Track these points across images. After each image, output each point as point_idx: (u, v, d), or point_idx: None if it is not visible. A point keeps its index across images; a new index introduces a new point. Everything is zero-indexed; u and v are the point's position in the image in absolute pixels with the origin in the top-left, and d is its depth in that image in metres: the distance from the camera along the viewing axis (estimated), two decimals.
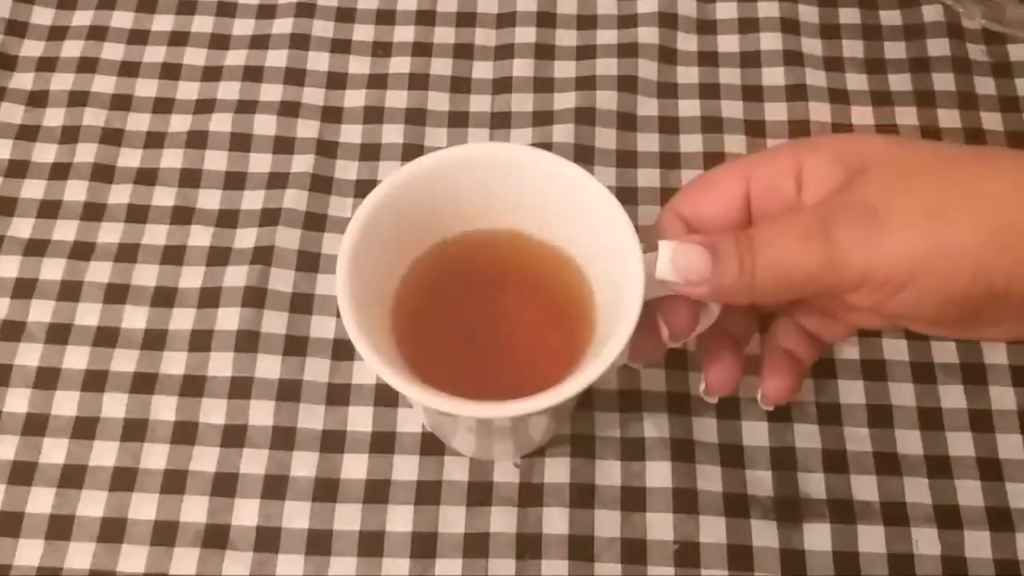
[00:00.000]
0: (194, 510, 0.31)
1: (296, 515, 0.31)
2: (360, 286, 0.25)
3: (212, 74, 0.39)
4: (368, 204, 0.26)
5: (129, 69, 0.39)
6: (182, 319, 0.34)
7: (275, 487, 0.31)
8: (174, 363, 0.33)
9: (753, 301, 0.24)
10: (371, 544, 0.30)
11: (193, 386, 0.33)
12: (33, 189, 0.36)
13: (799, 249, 0.22)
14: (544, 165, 0.27)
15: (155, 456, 0.32)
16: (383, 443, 0.32)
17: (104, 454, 0.32)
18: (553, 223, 0.28)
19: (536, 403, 0.23)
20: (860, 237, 0.22)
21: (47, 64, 0.39)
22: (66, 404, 0.32)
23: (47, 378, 0.33)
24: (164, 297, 0.34)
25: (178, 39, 0.40)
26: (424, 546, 0.30)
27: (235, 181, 0.37)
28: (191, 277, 0.35)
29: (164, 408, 0.33)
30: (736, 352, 0.27)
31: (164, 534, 0.31)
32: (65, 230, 0.36)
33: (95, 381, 0.33)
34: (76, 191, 0.36)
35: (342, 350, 0.33)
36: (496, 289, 0.28)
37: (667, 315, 0.26)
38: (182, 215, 0.36)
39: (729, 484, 0.31)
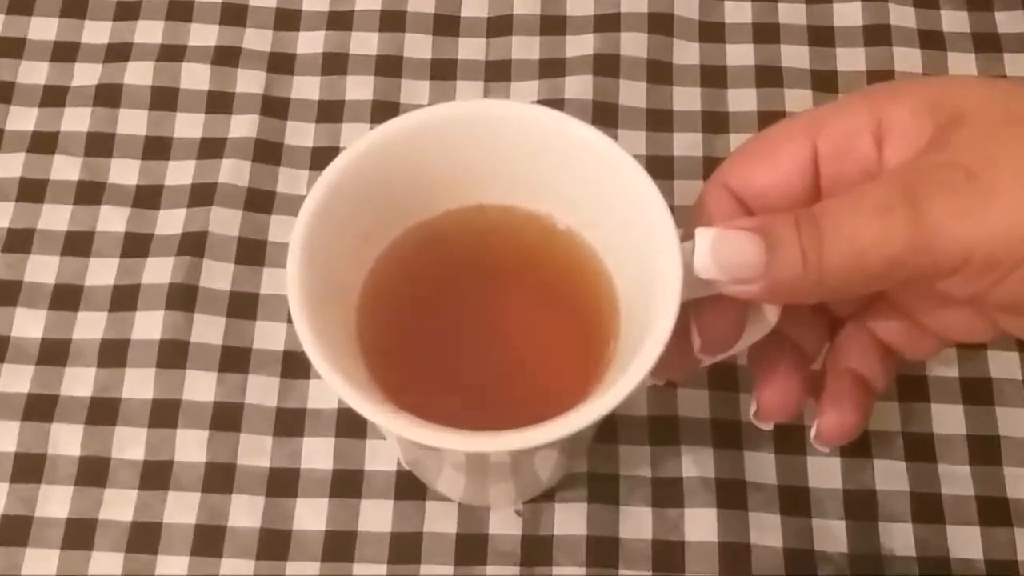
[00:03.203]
0: (105, 571, 0.31)
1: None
2: (317, 282, 0.25)
3: (127, 10, 0.39)
4: (327, 178, 0.26)
5: (20, 5, 0.39)
6: (89, 326, 0.34)
7: (209, 541, 0.31)
8: (79, 382, 0.33)
9: (821, 298, 0.24)
10: None
11: (104, 412, 0.33)
12: None
13: (878, 226, 0.22)
14: (551, 126, 0.27)
15: (55, 502, 0.32)
16: (347, 485, 0.32)
17: None
18: (563, 201, 0.28)
19: (543, 434, 0.23)
20: (957, 206, 0.22)
21: None
22: None
23: None
24: (66, 298, 0.34)
25: None
26: None
27: (157, 149, 0.37)
28: (101, 272, 0.35)
29: (67, 440, 0.32)
30: (798, 366, 0.27)
31: None
32: None
33: None
34: None
35: (295, 365, 0.33)
36: (490, 285, 0.28)
37: (702, 320, 0.25)
38: (89, 193, 0.36)
39: (791, 538, 0.31)
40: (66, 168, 0.36)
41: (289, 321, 0.33)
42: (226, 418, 0.33)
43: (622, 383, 0.23)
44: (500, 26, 0.39)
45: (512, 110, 0.27)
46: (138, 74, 0.38)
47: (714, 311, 0.25)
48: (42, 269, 0.35)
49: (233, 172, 0.36)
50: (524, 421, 0.23)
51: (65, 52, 0.38)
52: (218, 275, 0.35)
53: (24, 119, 0.37)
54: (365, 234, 0.27)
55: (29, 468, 0.32)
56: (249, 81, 0.38)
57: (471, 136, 0.27)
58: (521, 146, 0.27)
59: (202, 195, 0.36)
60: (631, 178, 0.25)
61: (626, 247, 0.26)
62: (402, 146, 0.27)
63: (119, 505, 0.32)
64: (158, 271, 0.35)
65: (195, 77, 0.38)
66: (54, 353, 0.34)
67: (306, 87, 0.38)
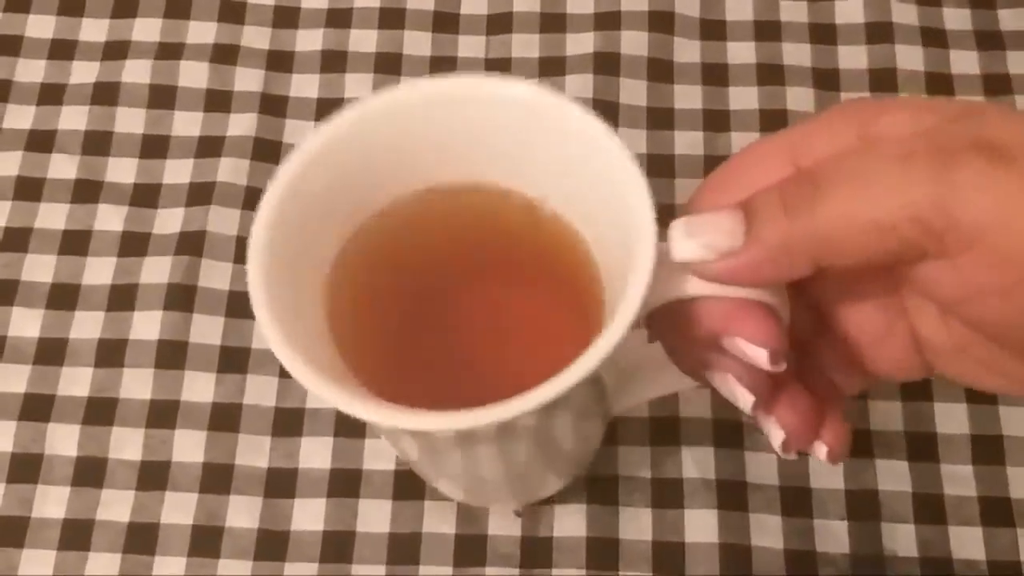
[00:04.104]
0: (102, 572, 0.31)
1: None
2: (282, 264, 0.24)
3: (125, 8, 0.39)
4: (301, 152, 0.25)
5: (18, 2, 0.39)
6: (87, 326, 0.34)
7: (206, 542, 0.31)
8: (76, 382, 0.33)
9: (811, 265, 0.21)
10: None
11: (101, 412, 0.33)
12: None
13: (899, 172, 0.20)
14: (533, 104, 0.25)
15: (52, 502, 0.32)
16: (345, 485, 0.32)
17: None
18: (549, 183, 0.27)
19: (521, 403, 0.21)
20: (989, 177, 0.19)
21: None
22: None
23: None
24: (63, 297, 0.34)
25: None
26: None
27: (155, 148, 0.37)
28: (98, 271, 0.35)
29: (63, 440, 0.32)
30: (808, 386, 0.25)
31: None
32: None
33: None
34: None
35: None
36: (471, 267, 0.27)
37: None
38: (87, 191, 0.36)
39: (792, 539, 0.31)
40: (63, 167, 0.36)
41: None
42: (224, 418, 0.33)
43: (593, 350, 0.21)
44: (500, 23, 0.39)
45: (494, 88, 0.26)
46: (136, 72, 0.38)
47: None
48: (39, 268, 0.35)
49: (232, 171, 0.36)
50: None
51: (62, 50, 0.38)
52: (216, 275, 0.34)
53: (21, 117, 0.37)
54: (338, 212, 0.26)
55: (26, 468, 0.32)
56: (248, 79, 0.38)
57: (453, 113, 0.26)
58: (504, 124, 0.26)
59: (200, 194, 0.36)
60: (613, 161, 0.24)
61: (613, 237, 0.25)
62: (381, 123, 0.26)
63: (116, 506, 0.32)
64: (156, 270, 0.35)
65: (193, 75, 0.38)
66: (51, 353, 0.34)
67: (305, 85, 0.38)
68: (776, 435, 0.24)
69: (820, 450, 0.25)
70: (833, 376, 0.25)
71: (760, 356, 0.22)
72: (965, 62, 0.37)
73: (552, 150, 0.25)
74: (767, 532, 0.31)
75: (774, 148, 0.23)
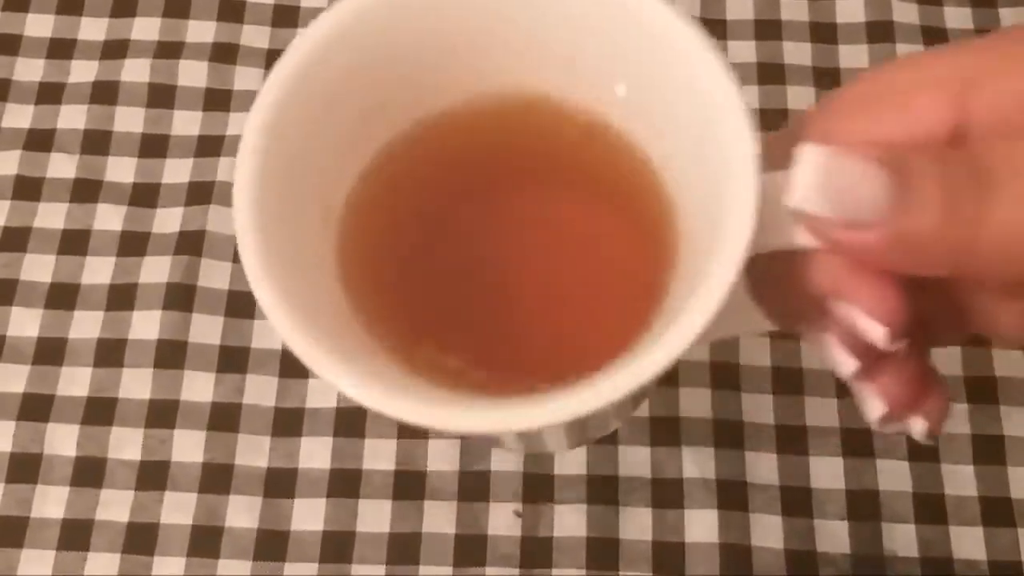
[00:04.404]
0: (101, 572, 0.31)
1: None
2: (280, 196, 0.19)
3: (124, 7, 0.39)
4: (289, 65, 0.19)
5: (16, 1, 0.39)
6: (86, 325, 0.34)
7: (206, 542, 0.31)
8: (75, 382, 0.33)
9: (958, 271, 0.17)
10: None
11: (100, 412, 0.33)
12: None
13: None
14: None
15: (51, 502, 0.32)
16: (346, 485, 0.32)
17: None
18: (616, 97, 0.21)
19: (568, 405, 0.17)
20: None
21: None
22: None
23: None
24: (62, 297, 0.34)
25: None
26: None
27: (154, 147, 0.36)
28: (97, 271, 0.35)
29: (63, 440, 0.32)
30: (915, 350, 0.20)
31: None
32: None
33: None
34: None
35: (293, 365, 0.33)
36: (515, 197, 0.23)
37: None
38: (86, 191, 0.36)
39: (793, 539, 0.31)
40: (62, 166, 0.36)
41: None
42: (224, 418, 0.32)
43: (670, 339, 0.17)
44: None
45: None
46: (135, 71, 0.38)
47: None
48: (38, 268, 0.35)
49: (232, 170, 0.35)
50: (554, 368, 0.18)
51: (61, 49, 0.38)
52: (216, 274, 0.34)
53: (20, 116, 0.37)
54: (353, 131, 0.21)
55: (25, 468, 0.32)
56: (247, 78, 0.37)
57: (498, 5, 0.21)
58: (564, 19, 0.21)
59: (200, 193, 0.36)
60: (702, 68, 0.19)
61: (692, 161, 0.20)
62: (409, 11, 0.20)
63: (116, 506, 0.31)
64: (155, 270, 0.34)
65: (193, 74, 0.38)
66: (50, 352, 0.33)
67: None
68: (875, 407, 0.20)
69: (917, 425, 0.21)
70: (937, 333, 0.21)
71: (875, 332, 0.18)
72: None
73: (622, 55, 0.21)
74: (767, 532, 0.31)
75: (940, 75, 0.18)
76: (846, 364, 0.20)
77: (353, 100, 0.20)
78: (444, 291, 0.22)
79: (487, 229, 0.22)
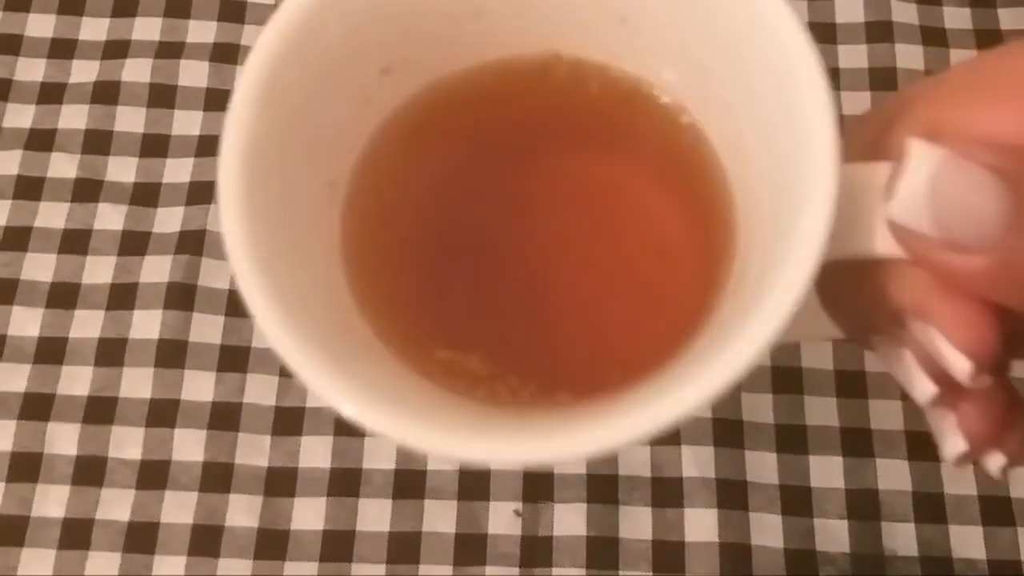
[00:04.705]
0: (102, 571, 0.31)
1: None
2: (275, 177, 0.16)
3: (125, 7, 0.39)
4: (285, 20, 0.16)
5: (17, 1, 0.39)
6: (86, 325, 0.34)
7: (206, 541, 0.31)
8: (76, 381, 0.33)
9: None
10: None
11: (101, 411, 0.33)
12: None
13: None
14: None
15: (52, 501, 0.32)
16: (345, 484, 0.32)
17: None
18: (675, 64, 0.19)
19: (626, 430, 0.14)
20: None
21: None
22: None
23: None
24: (63, 296, 0.34)
25: None
26: None
27: (155, 147, 0.36)
28: (98, 270, 0.35)
29: (63, 439, 0.32)
30: (1003, 380, 0.18)
31: None
32: None
33: None
34: None
35: None
36: (553, 175, 0.20)
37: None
38: (86, 190, 0.36)
39: (792, 538, 0.31)
40: (63, 165, 0.36)
41: None
42: (224, 417, 0.32)
43: (730, 358, 0.15)
44: None
45: None
46: (136, 71, 0.38)
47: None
48: (39, 267, 0.35)
49: None
50: (589, 376, 0.17)
51: (62, 49, 0.38)
52: (217, 274, 0.34)
53: (21, 116, 0.37)
54: (360, 93, 0.18)
55: (25, 467, 0.32)
56: None
57: None
58: None
59: (201, 193, 0.36)
60: (784, 45, 0.16)
61: (759, 140, 0.18)
62: None
63: (116, 505, 0.31)
64: (156, 270, 0.34)
65: (193, 74, 0.38)
66: (51, 352, 0.33)
67: None
68: (954, 444, 0.18)
69: (994, 461, 0.18)
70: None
71: (959, 365, 0.16)
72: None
73: (679, 14, 0.18)
74: (767, 531, 0.31)
75: None
76: (924, 389, 0.18)
77: (361, 59, 0.18)
78: (464, 284, 0.19)
79: (514, 210, 0.19)
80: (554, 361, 0.17)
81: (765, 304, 0.15)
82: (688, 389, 0.14)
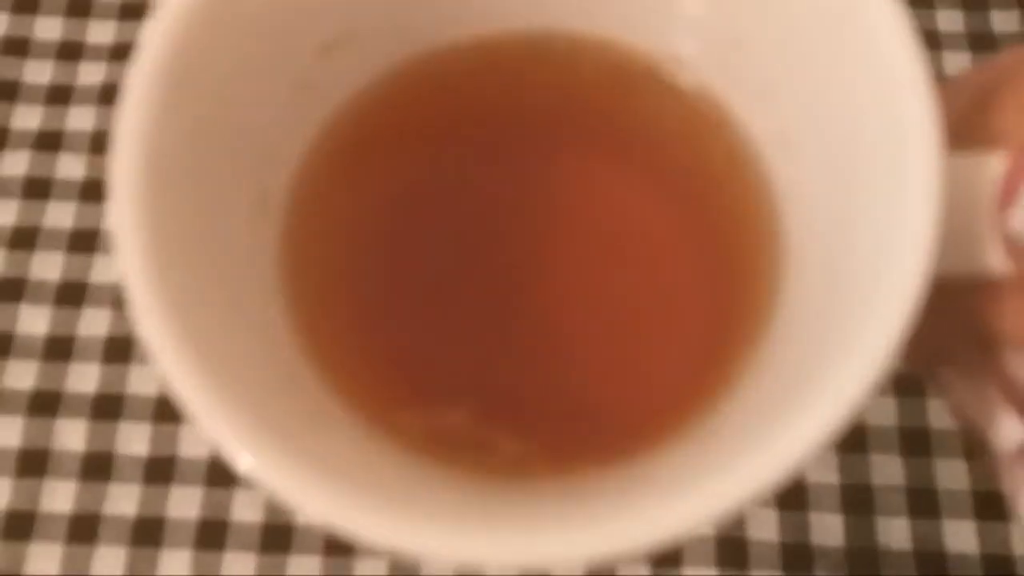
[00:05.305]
0: (109, 565, 0.31)
1: (240, 570, 0.31)
2: (182, 188, 0.12)
3: (132, 10, 0.39)
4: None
5: (25, 4, 0.39)
6: (95, 322, 0.34)
7: (213, 534, 0.31)
8: (85, 378, 0.33)
9: None
10: None
11: (109, 407, 0.33)
12: None
13: None
14: None
15: (60, 496, 0.32)
16: None
17: None
18: (698, 38, 0.15)
19: (624, 536, 0.11)
20: None
21: None
22: None
23: None
24: (72, 294, 0.34)
25: None
26: None
27: None
28: (106, 268, 0.35)
29: (71, 435, 0.32)
30: None
31: None
32: None
33: None
34: None
35: None
36: (545, 179, 0.15)
37: None
38: (94, 190, 0.36)
39: (787, 532, 0.31)
40: (71, 166, 0.36)
41: None
42: None
43: (813, 416, 0.11)
44: None
45: None
46: None
47: None
48: (47, 266, 0.35)
49: None
50: (606, 428, 0.13)
51: (70, 51, 0.38)
52: None
53: (29, 117, 0.37)
54: (302, 73, 0.13)
55: (33, 463, 0.32)
56: None
57: None
58: None
59: None
60: (861, 17, 0.12)
61: (814, 133, 0.13)
62: None
63: (124, 500, 0.32)
64: None
65: None
66: (59, 349, 0.34)
67: None
68: None
69: None
70: None
71: None
72: (958, 64, 0.38)
73: None
74: (762, 525, 0.31)
75: None
76: (1012, 435, 0.14)
77: (293, 32, 0.13)
78: (437, 321, 0.15)
79: (496, 229, 0.15)
80: (555, 417, 0.13)
81: (853, 345, 0.11)
82: (765, 455, 0.11)
